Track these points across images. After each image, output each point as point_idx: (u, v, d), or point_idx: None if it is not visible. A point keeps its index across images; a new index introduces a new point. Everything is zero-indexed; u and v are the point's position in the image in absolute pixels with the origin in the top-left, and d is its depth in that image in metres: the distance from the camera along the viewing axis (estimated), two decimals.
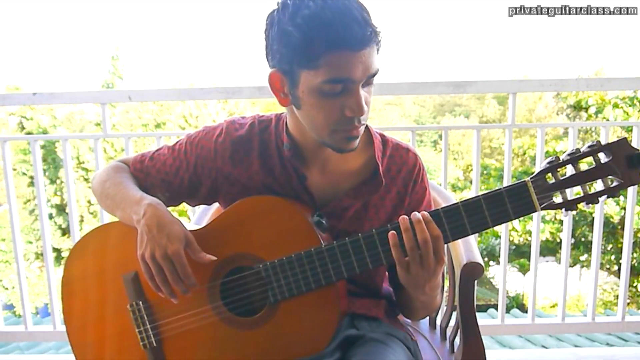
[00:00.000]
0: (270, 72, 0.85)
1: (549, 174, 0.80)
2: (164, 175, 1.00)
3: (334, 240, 0.90)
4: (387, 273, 1.05)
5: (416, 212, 0.81)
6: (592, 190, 0.80)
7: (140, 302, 0.93)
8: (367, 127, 0.98)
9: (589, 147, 0.79)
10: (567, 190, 0.81)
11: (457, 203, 0.82)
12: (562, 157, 0.80)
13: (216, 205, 1.10)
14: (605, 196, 0.79)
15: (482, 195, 0.81)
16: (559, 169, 0.80)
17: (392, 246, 0.80)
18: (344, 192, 0.94)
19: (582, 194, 0.80)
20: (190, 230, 0.94)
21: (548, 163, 0.80)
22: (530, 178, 0.80)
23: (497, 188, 0.80)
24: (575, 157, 0.79)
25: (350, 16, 0.76)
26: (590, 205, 0.80)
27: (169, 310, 0.93)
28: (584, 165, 0.80)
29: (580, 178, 0.79)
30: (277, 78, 0.85)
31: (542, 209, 0.80)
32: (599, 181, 0.80)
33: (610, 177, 0.79)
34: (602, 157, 0.79)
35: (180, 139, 1.02)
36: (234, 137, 0.96)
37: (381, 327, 0.98)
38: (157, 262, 0.84)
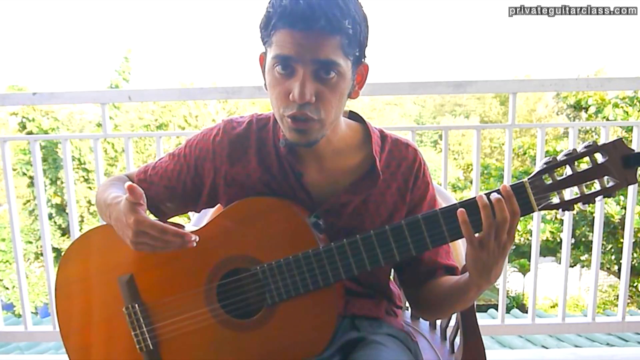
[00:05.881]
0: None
1: (546, 175, 0.80)
2: (167, 182, 1.00)
3: (332, 239, 0.90)
4: (395, 274, 1.04)
5: (494, 191, 0.79)
6: (590, 190, 0.81)
7: (136, 305, 0.93)
8: (365, 123, 0.98)
9: (585, 147, 0.79)
10: (566, 190, 0.81)
11: (456, 204, 0.82)
12: (559, 157, 0.80)
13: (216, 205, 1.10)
14: (602, 196, 0.80)
15: (479, 196, 0.80)
16: (556, 169, 0.80)
17: (462, 223, 0.78)
18: (342, 189, 0.94)
19: (578, 194, 0.81)
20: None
21: (545, 164, 0.80)
22: (528, 179, 0.80)
23: (495, 189, 0.80)
24: (571, 158, 0.80)
25: (308, 0, 0.77)
26: (587, 205, 0.81)
27: (166, 312, 0.92)
28: (582, 164, 0.81)
29: (577, 179, 0.80)
30: (261, 60, 0.90)
31: (539, 210, 0.81)
32: (596, 181, 0.80)
33: (606, 177, 0.79)
34: (599, 158, 0.79)
35: (181, 145, 1.03)
36: (232, 136, 0.96)
37: (382, 327, 0.97)
38: (142, 241, 0.82)
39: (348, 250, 0.85)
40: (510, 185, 0.79)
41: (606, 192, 0.79)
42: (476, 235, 0.79)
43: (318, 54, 0.79)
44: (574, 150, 0.80)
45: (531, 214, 0.82)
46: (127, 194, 0.82)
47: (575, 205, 0.81)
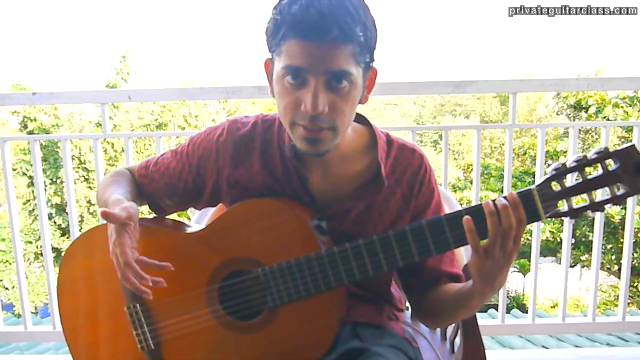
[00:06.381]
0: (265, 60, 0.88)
1: (555, 182, 0.78)
2: (168, 179, 0.99)
3: (334, 243, 0.89)
4: (399, 280, 1.03)
5: (501, 198, 0.77)
6: (598, 196, 0.78)
7: (138, 305, 0.92)
8: (371, 127, 0.97)
9: (596, 153, 0.76)
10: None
11: (461, 210, 0.80)
12: (569, 163, 0.77)
13: (218, 204, 1.09)
14: (611, 204, 0.78)
15: (485, 203, 0.78)
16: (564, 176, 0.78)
17: (467, 231, 0.76)
18: (346, 194, 0.92)
19: (587, 200, 0.78)
20: (190, 232, 0.93)
21: (554, 170, 0.77)
22: (536, 186, 0.78)
23: (502, 196, 0.78)
24: (582, 164, 0.77)
25: (319, 7, 0.75)
26: (595, 212, 0.79)
27: (167, 313, 0.92)
28: (587, 168, 0.78)
29: (587, 186, 0.77)
30: (267, 66, 0.88)
31: (547, 217, 0.78)
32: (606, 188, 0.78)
33: (616, 184, 0.77)
34: (610, 164, 0.77)
35: (184, 142, 1.01)
36: (236, 137, 0.95)
37: (385, 337, 0.96)
38: (112, 257, 0.83)
39: (350, 255, 0.84)
40: (518, 193, 0.77)
41: (616, 200, 0.77)
42: (481, 243, 0.77)
43: (331, 65, 0.77)
44: (585, 156, 0.77)
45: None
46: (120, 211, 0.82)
47: (583, 213, 0.79)
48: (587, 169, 0.78)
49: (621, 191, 0.77)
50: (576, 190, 0.78)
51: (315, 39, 0.76)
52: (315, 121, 0.80)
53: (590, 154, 0.77)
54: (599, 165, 0.77)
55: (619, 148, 0.76)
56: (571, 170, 0.77)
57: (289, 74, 0.80)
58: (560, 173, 0.77)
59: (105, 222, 0.97)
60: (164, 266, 0.83)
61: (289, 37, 0.77)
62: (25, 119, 11.16)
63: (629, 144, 0.77)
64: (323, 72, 0.78)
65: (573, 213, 0.79)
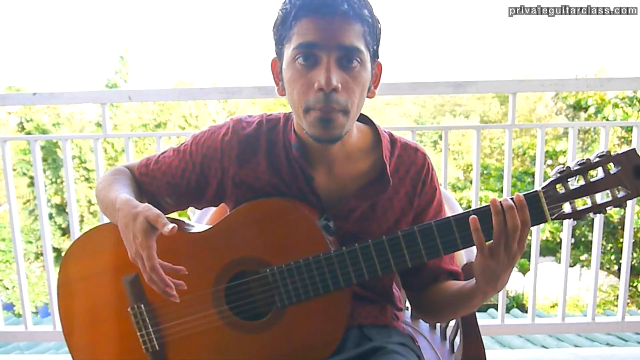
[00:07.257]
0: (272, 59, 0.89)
1: (559, 184, 0.79)
2: (170, 178, 0.98)
3: (339, 242, 0.89)
4: (399, 277, 1.04)
5: (508, 198, 0.78)
6: (598, 198, 0.80)
7: (142, 305, 0.92)
8: (375, 127, 0.97)
9: (598, 157, 0.79)
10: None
11: (469, 211, 0.81)
12: (572, 167, 0.79)
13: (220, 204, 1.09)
14: (612, 206, 0.80)
15: (493, 200, 0.80)
16: (568, 179, 0.80)
17: (473, 231, 0.77)
18: (351, 193, 0.93)
19: (589, 203, 0.80)
20: (196, 232, 0.93)
21: (558, 173, 0.79)
22: (542, 188, 0.79)
23: (509, 197, 0.79)
24: (585, 168, 0.79)
25: None
26: (597, 214, 0.81)
27: (172, 313, 0.91)
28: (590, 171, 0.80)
29: (590, 188, 0.79)
30: (274, 63, 0.89)
31: (552, 219, 0.80)
32: (607, 191, 0.80)
33: (617, 187, 0.79)
34: (611, 168, 0.79)
35: (186, 140, 1.00)
36: (241, 136, 0.94)
37: (392, 335, 0.96)
38: (136, 261, 0.81)
39: (360, 255, 0.84)
40: (524, 195, 0.78)
41: (617, 202, 0.79)
42: (486, 243, 0.78)
43: (343, 39, 0.79)
44: (587, 159, 0.79)
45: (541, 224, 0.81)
46: (148, 212, 0.79)
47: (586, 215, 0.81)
48: (589, 172, 0.80)
49: (622, 194, 0.79)
50: (580, 192, 0.80)
51: (326, 13, 0.78)
52: (329, 101, 0.80)
53: (593, 157, 0.79)
54: (600, 168, 0.79)
55: (619, 152, 0.78)
56: (575, 173, 0.79)
57: (301, 55, 0.81)
58: (564, 176, 0.79)
59: (105, 221, 0.98)
60: (178, 269, 0.82)
61: (300, 17, 0.80)
62: (22, 120, 11.15)
63: (629, 148, 0.79)
64: (335, 46, 0.79)
65: (576, 215, 0.81)
